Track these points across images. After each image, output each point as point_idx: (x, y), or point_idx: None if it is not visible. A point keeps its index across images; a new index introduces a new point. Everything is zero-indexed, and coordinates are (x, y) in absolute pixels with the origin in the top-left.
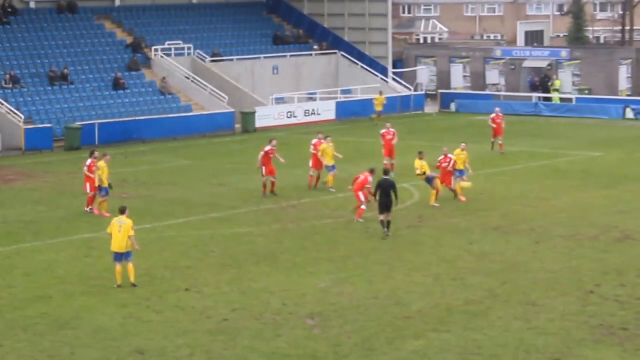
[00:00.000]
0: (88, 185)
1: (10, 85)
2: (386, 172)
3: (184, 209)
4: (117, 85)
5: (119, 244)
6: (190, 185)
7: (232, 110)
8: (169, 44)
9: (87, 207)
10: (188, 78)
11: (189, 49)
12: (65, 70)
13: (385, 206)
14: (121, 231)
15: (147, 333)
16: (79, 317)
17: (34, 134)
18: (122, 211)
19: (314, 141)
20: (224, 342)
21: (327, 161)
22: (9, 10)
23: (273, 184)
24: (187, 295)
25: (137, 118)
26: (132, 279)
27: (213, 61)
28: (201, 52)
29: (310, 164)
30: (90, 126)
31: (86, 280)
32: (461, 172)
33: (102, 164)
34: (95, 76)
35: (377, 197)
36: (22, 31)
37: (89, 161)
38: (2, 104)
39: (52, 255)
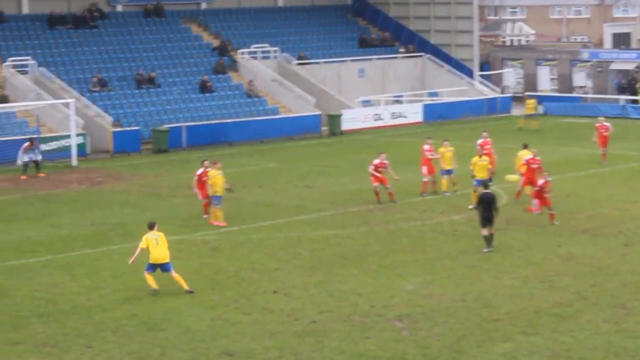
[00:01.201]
0: (198, 192)
1: (98, 88)
2: (486, 186)
3: (271, 211)
4: (204, 88)
5: (159, 254)
6: (278, 187)
7: (319, 112)
8: (255, 47)
9: (205, 214)
10: (274, 81)
11: (275, 51)
12: (152, 73)
13: (487, 219)
14: (158, 243)
15: (235, 335)
16: (167, 319)
17: (122, 137)
18: (151, 227)
19: (426, 147)
20: (312, 344)
21: (445, 165)
22: (97, 14)
23: (391, 194)
24: (275, 297)
25: (224, 121)
26: (186, 287)
27: (299, 64)
28: (287, 55)
29: (424, 170)
30: (177, 129)
31: (174, 282)
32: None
33: (213, 172)
34: (181, 79)
35: (479, 211)
36: (110, 34)
37: (199, 171)
38: (91, 107)
39: (139, 257)
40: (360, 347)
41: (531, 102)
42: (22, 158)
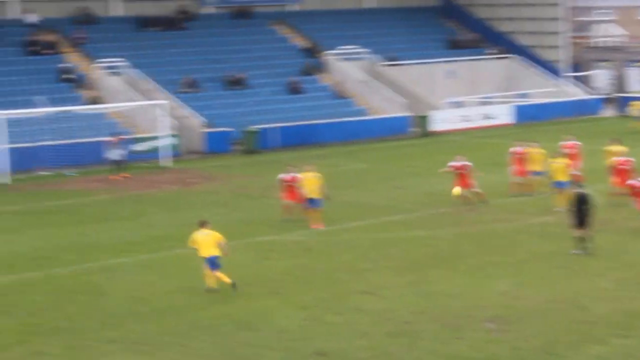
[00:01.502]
0: (284, 196)
1: (188, 90)
2: (579, 184)
3: (362, 211)
4: (292, 89)
5: (208, 249)
6: (368, 188)
7: (407, 113)
8: (343, 49)
9: (285, 215)
10: (363, 82)
11: (364, 53)
12: (242, 75)
13: (581, 220)
14: (207, 239)
15: (327, 335)
16: (260, 319)
17: (213, 138)
18: (202, 224)
19: (517, 149)
20: (404, 345)
21: (536, 166)
22: (187, 15)
23: (480, 195)
24: (367, 298)
25: (314, 122)
26: (228, 280)
27: (388, 65)
28: (376, 56)
29: (514, 170)
30: (267, 130)
31: (266, 282)
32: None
33: (305, 175)
34: (270, 80)
35: (572, 211)
36: (199, 36)
37: (285, 175)
38: (181, 108)
39: (232, 257)
40: (451, 348)
41: (637, 104)
42: (111, 155)
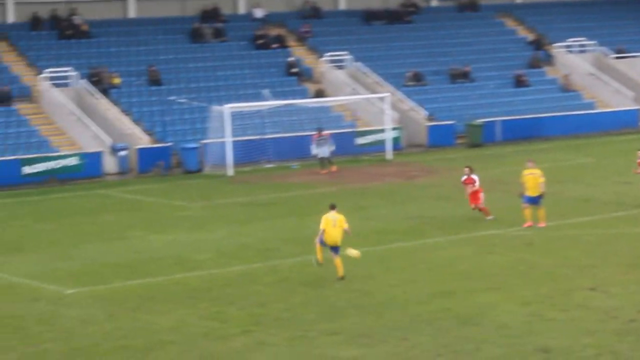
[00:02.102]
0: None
1: (413, 83)
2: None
3: (588, 207)
4: (518, 82)
5: (333, 238)
6: (594, 183)
7: (637, 107)
8: (571, 41)
9: (487, 216)
10: (591, 75)
11: (592, 45)
12: (467, 68)
13: None
14: (335, 225)
15: (550, 331)
16: (481, 313)
17: (436, 131)
18: (333, 207)
19: None
20: (632, 343)
21: None
22: (412, 9)
23: None
24: (593, 295)
25: (539, 115)
26: (340, 273)
27: (617, 57)
28: (604, 49)
29: None
30: (491, 123)
31: (488, 277)
32: None
33: (526, 172)
34: (496, 73)
35: None
36: (424, 29)
37: (465, 177)
38: (405, 101)
39: (454, 251)
40: None
41: None
42: (316, 152)
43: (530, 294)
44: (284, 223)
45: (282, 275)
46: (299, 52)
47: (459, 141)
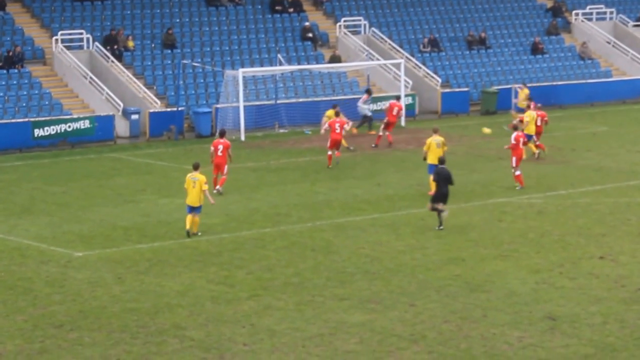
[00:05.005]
0: (514, 159)
1: (429, 49)
2: (442, 161)
3: (600, 175)
4: (535, 49)
5: (192, 198)
6: (607, 152)
7: None
8: (590, 8)
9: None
10: (609, 43)
11: (611, 13)
12: (483, 34)
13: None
14: (195, 186)
15: (559, 299)
16: (490, 281)
17: (450, 98)
18: (196, 167)
19: None
20: (639, 312)
21: None
22: None
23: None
24: (601, 263)
25: (555, 83)
26: (195, 230)
27: (636, 26)
28: (623, 17)
29: None
30: (506, 90)
31: (499, 244)
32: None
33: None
34: (513, 40)
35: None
36: None
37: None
38: (420, 68)
39: (465, 219)
40: None
41: None
42: (363, 111)
43: (539, 262)
44: (294, 188)
45: (292, 240)
46: (314, 17)
47: (473, 108)
